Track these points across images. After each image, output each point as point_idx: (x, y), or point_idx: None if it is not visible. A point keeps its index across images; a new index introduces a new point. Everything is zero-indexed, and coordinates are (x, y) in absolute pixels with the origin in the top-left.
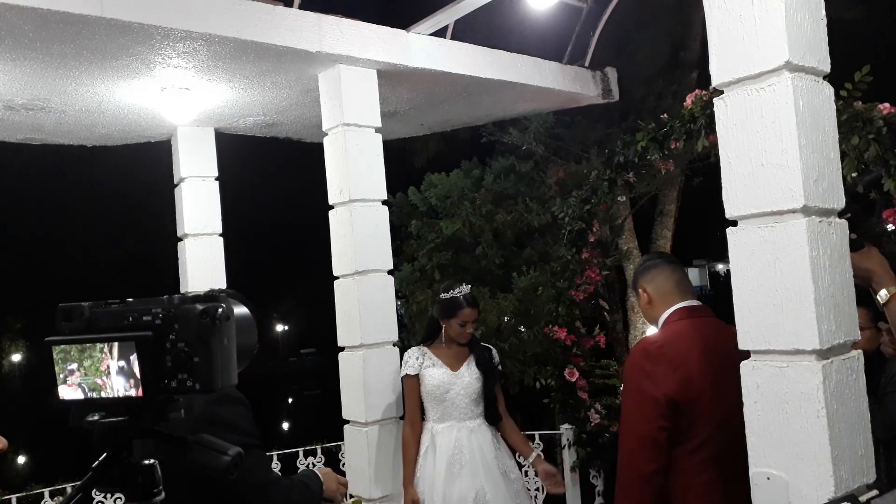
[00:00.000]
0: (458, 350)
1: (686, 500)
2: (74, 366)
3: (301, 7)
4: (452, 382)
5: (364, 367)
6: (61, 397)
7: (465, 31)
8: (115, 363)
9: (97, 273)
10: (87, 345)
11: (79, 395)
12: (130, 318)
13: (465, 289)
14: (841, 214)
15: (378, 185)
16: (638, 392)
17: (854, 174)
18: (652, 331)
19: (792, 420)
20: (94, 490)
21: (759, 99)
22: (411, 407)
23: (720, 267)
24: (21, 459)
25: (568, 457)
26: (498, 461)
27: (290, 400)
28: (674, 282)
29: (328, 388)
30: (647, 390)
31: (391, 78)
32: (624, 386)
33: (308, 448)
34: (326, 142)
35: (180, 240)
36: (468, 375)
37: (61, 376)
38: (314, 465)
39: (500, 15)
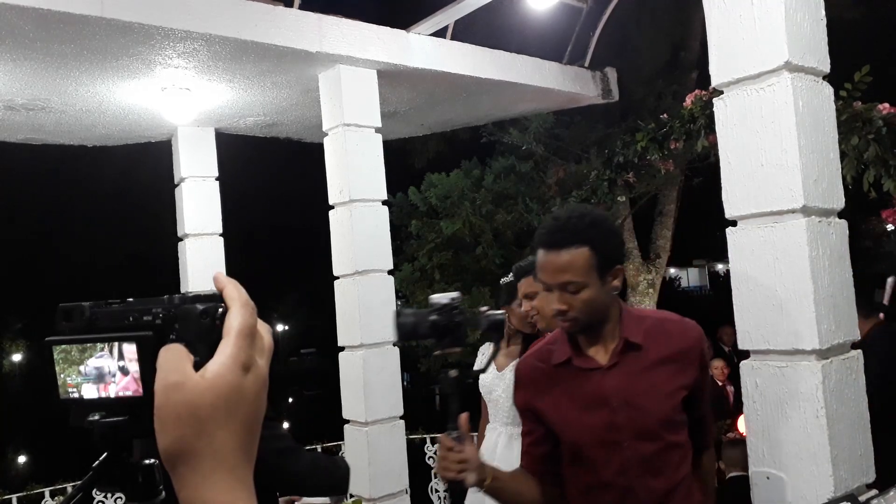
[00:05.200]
0: (514, 349)
1: None
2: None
3: (301, 7)
4: (495, 384)
5: (364, 367)
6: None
7: (465, 31)
8: (115, 363)
9: (97, 273)
10: (88, 345)
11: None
12: (131, 318)
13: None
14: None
15: (378, 185)
16: None
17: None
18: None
19: (791, 420)
20: (95, 490)
21: (759, 99)
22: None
23: (720, 267)
24: (21, 459)
25: None
26: None
27: (290, 400)
28: None
29: (328, 388)
30: None
31: (391, 78)
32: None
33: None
34: (326, 142)
35: (180, 240)
36: (510, 378)
37: (61, 377)
38: None
39: (500, 15)
